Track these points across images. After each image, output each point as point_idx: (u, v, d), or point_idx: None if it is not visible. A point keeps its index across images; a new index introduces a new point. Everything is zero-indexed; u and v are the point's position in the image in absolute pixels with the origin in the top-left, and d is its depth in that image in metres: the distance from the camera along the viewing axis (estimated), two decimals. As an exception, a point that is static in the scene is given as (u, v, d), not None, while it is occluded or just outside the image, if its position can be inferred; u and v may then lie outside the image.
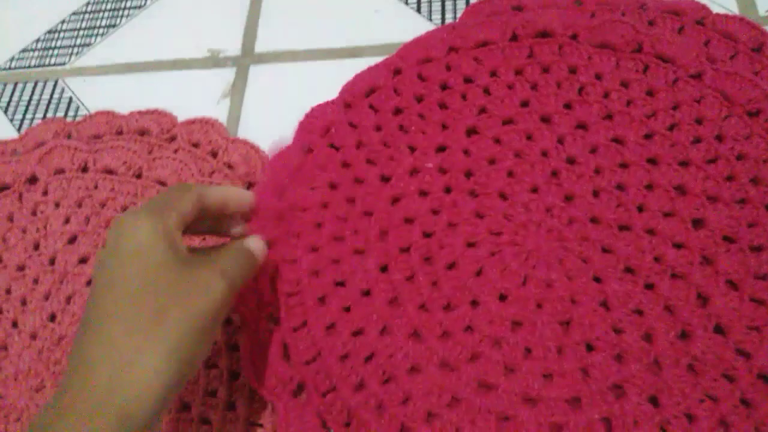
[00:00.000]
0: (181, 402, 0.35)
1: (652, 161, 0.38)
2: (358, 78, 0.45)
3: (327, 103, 0.44)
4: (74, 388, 0.26)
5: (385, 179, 0.40)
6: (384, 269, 0.37)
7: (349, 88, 0.44)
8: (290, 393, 0.34)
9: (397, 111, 0.42)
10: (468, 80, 0.43)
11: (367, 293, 0.37)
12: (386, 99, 0.43)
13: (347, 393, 0.34)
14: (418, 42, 0.46)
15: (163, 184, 0.43)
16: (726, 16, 0.44)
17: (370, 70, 0.45)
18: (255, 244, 0.33)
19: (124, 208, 0.42)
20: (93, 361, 0.26)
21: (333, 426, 0.34)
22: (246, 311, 0.36)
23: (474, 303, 0.36)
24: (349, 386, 0.34)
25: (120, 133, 0.46)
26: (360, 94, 0.43)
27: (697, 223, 0.36)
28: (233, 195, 0.33)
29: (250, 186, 0.42)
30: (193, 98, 0.50)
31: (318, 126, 0.43)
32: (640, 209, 0.37)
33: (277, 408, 0.35)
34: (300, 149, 0.42)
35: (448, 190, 0.39)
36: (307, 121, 0.44)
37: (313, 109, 0.44)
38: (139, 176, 0.43)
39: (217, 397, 0.35)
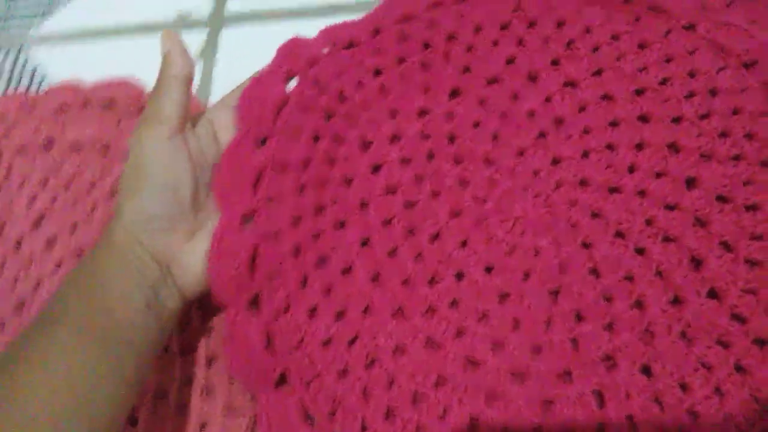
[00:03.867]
0: (157, 389, 0.34)
1: (643, 118, 0.37)
2: (338, 28, 0.41)
3: (310, 39, 0.40)
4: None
5: (366, 144, 0.38)
6: (365, 243, 0.36)
7: (328, 36, 0.40)
8: (272, 384, 0.33)
9: (377, 72, 0.40)
10: (451, 37, 0.41)
11: (348, 270, 0.35)
12: (366, 57, 0.40)
13: (331, 380, 0.33)
14: (397, -3, 0.43)
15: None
16: (720, -37, 0.41)
17: (347, 24, 0.42)
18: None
19: (93, 184, 0.40)
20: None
21: (317, 416, 0.32)
22: (224, 297, 0.34)
23: (459, 275, 0.34)
24: (333, 373, 0.33)
25: (86, 105, 0.44)
26: (340, 44, 0.40)
27: (691, 183, 0.35)
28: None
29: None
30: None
31: (303, 55, 0.38)
32: (631, 170, 0.35)
33: (259, 400, 0.33)
34: (282, 77, 0.38)
35: (430, 157, 0.38)
36: (290, 47, 0.39)
37: (294, 39, 0.39)
38: (106, 150, 0.41)
39: (195, 384, 0.33)
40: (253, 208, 0.34)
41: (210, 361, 0.34)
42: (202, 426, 0.33)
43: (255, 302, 0.34)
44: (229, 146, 0.33)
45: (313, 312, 0.34)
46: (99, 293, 0.29)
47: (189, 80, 0.34)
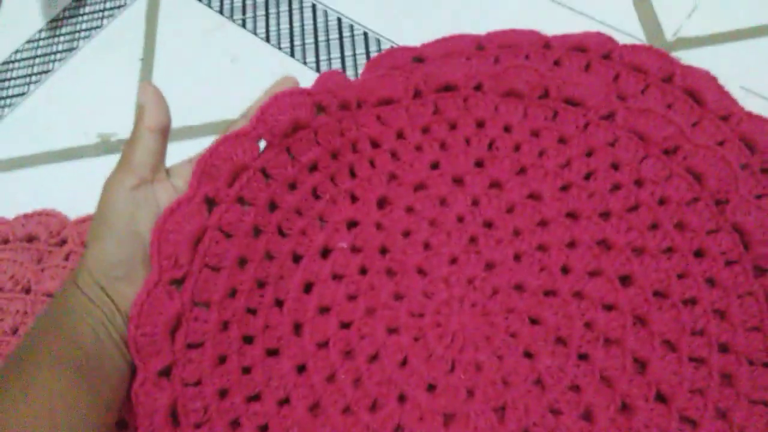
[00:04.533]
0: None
1: (571, 215, 0.36)
2: (275, 114, 0.36)
3: (236, 135, 0.35)
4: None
5: (297, 258, 0.36)
6: (301, 369, 0.34)
7: (267, 120, 0.35)
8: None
9: (313, 167, 0.38)
10: (375, 145, 0.40)
11: (285, 401, 0.33)
12: (305, 147, 0.37)
13: None
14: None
15: (52, 296, 0.39)
16: (633, 47, 0.42)
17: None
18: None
19: (15, 330, 0.38)
20: None
21: None
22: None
23: (401, 398, 0.33)
24: None
25: (6, 241, 0.42)
26: (279, 133, 0.36)
27: (625, 280, 0.34)
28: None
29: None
30: (86, 190, 0.45)
31: (224, 170, 0.35)
32: (565, 270, 0.35)
33: None
34: (200, 203, 0.34)
35: (363, 272, 0.37)
36: (209, 160, 0.35)
37: (218, 144, 0.35)
38: (27, 291, 0.39)
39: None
40: (172, 360, 0.32)
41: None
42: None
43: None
44: (140, 292, 0.32)
45: (248, 456, 0.32)
46: (68, 328, 0.30)
47: (164, 131, 0.34)
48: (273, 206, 0.37)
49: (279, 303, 0.36)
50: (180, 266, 0.32)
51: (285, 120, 0.36)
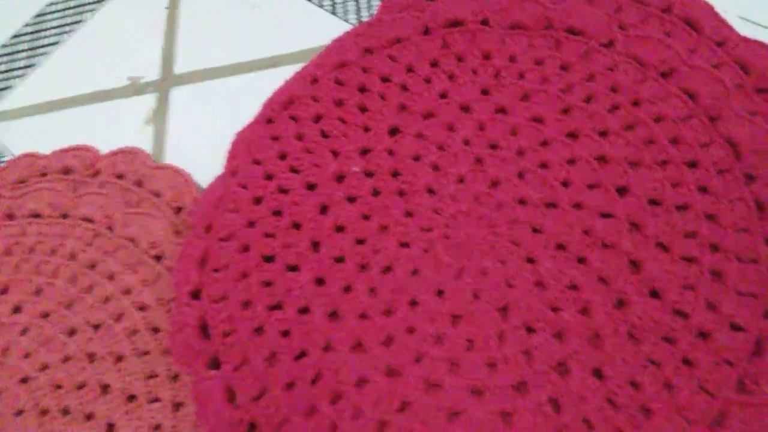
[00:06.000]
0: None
1: (572, 135, 0.38)
2: (277, 92, 0.44)
3: (249, 124, 0.44)
4: None
5: (311, 187, 0.39)
6: (320, 282, 0.37)
7: (268, 103, 0.44)
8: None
9: (318, 118, 0.42)
10: (385, 79, 0.43)
11: (305, 311, 0.36)
12: (305, 107, 0.42)
13: (299, 422, 0.33)
14: (332, 47, 0.46)
15: (89, 220, 0.42)
16: (634, -20, 0.44)
17: (287, 82, 0.45)
18: None
19: (53, 251, 0.41)
20: None
21: None
22: (183, 367, 0.35)
23: (413, 303, 0.35)
24: (300, 415, 0.33)
25: (44, 174, 0.45)
26: (279, 106, 0.43)
27: (622, 191, 0.36)
28: None
29: (179, 211, 0.41)
30: (117, 129, 0.49)
31: (242, 148, 0.42)
32: (565, 184, 0.37)
33: None
34: (227, 177, 0.42)
35: (376, 193, 0.39)
36: (232, 147, 0.43)
37: (237, 134, 0.43)
38: (65, 216, 0.43)
39: (163, 430, 0.34)
40: (200, 283, 0.37)
41: (177, 407, 0.35)
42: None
43: (216, 363, 0.35)
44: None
45: (272, 358, 0.35)
46: None
47: None
48: (282, 156, 0.41)
49: (296, 225, 0.39)
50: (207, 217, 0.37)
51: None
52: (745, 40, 0.40)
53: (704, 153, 0.36)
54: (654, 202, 0.35)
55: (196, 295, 0.37)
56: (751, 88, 0.38)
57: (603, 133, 0.38)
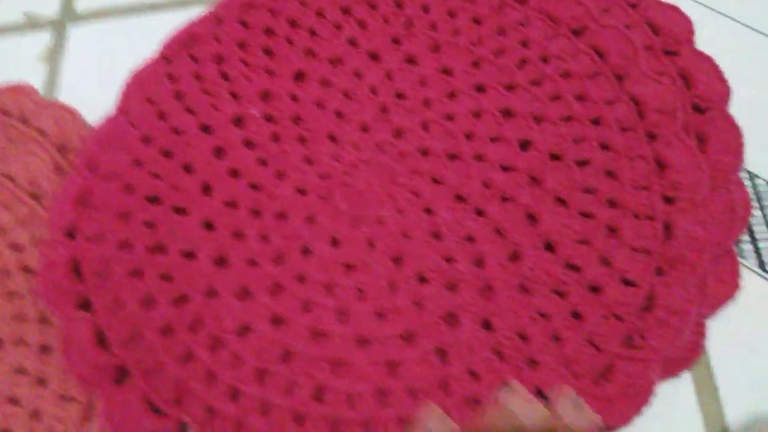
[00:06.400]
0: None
1: (479, 88, 0.37)
2: (178, 31, 0.42)
3: (145, 62, 0.41)
4: None
5: (207, 129, 0.37)
6: (209, 226, 0.35)
7: (167, 42, 0.41)
8: (112, 380, 0.31)
9: (219, 59, 0.40)
10: (294, 23, 0.41)
11: (190, 255, 0.34)
12: (206, 47, 0.40)
13: (174, 367, 0.31)
14: (241, -12, 0.43)
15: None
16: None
17: (190, 21, 0.42)
18: None
19: None
20: None
21: (163, 406, 0.31)
22: (51, 305, 0.33)
23: (305, 251, 0.34)
24: (174, 360, 0.31)
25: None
26: (178, 45, 0.40)
27: (525, 145, 0.35)
28: None
29: (63, 150, 0.38)
30: (9, 65, 0.46)
31: (135, 87, 0.40)
32: (468, 137, 0.36)
33: (101, 399, 0.31)
34: (117, 115, 0.39)
35: (275, 139, 0.37)
36: (125, 86, 0.40)
37: (132, 72, 0.41)
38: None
39: (28, 374, 0.32)
40: (76, 221, 0.34)
41: (45, 351, 0.32)
42: (33, 415, 0.31)
43: (87, 305, 0.33)
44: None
45: (149, 301, 0.32)
46: None
47: None
48: (178, 96, 0.39)
49: (188, 167, 0.36)
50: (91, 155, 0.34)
51: None
52: (658, 2, 0.40)
53: (609, 110, 0.36)
54: (556, 157, 0.35)
55: (72, 234, 0.34)
56: (660, 50, 0.38)
57: (510, 87, 0.37)
